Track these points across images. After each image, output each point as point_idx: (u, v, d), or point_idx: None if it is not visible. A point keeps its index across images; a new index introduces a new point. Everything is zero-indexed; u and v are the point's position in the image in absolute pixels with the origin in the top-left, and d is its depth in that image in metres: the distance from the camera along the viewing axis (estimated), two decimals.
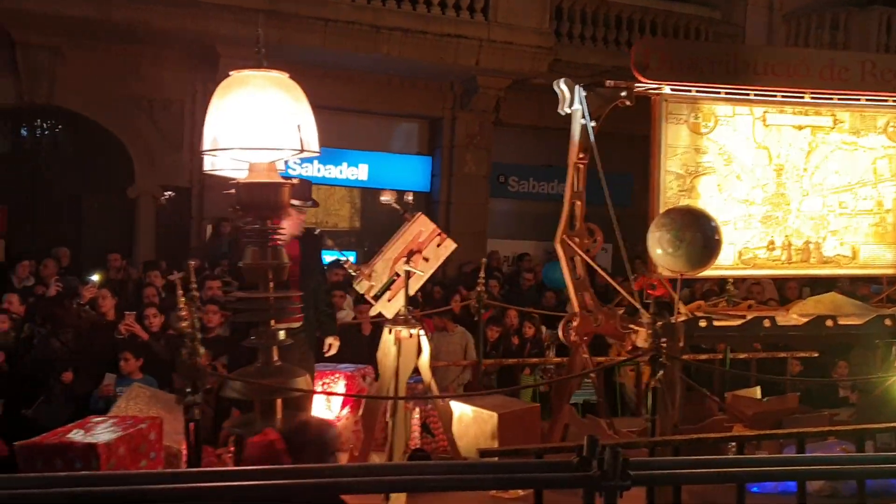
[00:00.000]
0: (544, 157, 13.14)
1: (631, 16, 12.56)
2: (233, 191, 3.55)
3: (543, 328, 7.94)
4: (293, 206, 4.41)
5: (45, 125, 11.43)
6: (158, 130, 11.23)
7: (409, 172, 12.77)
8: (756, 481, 4.11)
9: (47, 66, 10.41)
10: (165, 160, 11.27)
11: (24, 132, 11.36)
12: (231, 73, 2.75)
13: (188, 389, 2.62)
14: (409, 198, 5.13)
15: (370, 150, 12.60)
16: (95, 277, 8.00)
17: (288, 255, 3.40)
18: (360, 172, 12.53)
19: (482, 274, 6.69)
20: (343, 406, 5.90)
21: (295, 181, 3.53)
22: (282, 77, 2.77)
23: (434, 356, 5.99)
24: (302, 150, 2.79)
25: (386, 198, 5.15)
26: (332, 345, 5.36)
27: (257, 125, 2.68)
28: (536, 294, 9.58)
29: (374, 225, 12.80)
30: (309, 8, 10.17)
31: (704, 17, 13.11)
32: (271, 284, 2.85)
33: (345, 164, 12.35)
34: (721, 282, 7.06)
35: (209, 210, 11.21)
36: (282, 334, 2.92)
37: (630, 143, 7.77)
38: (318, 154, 2.81)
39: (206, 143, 2.85)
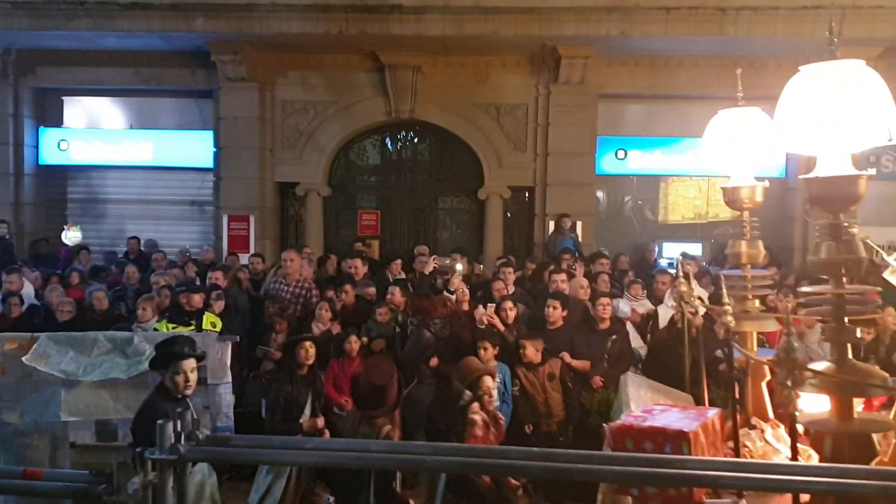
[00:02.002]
0: None
1: None
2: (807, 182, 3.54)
3: None
4: None
5: (407, 137, 12.75)
6: (505, 134, 11.91)
7: None
8: None
9: (410, 84, 11.64)
10: (511, 162, 11.91)
11: (390, 145, 12.80)
12: (800, 68, 2.75)
13: (788, 383, 2.66)
14: None
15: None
16: (459, 266, 8.69)
17: None
18: (701, 162, 11.98)
19: None
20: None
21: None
22: (857, 65, 2.67)
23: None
24: (890, 139, 2.68)
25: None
26: None
27: (832, 119, 2.61)
28: None
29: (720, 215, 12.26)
30: None
31: None
32: (844, 280, 2.81)
33: (690, 153, 11.88)
34: None
35: (551, 207, 11.60)
36: (857, 331, 2.88)
37: None
38: None
39: (777, 143, 2.89)
